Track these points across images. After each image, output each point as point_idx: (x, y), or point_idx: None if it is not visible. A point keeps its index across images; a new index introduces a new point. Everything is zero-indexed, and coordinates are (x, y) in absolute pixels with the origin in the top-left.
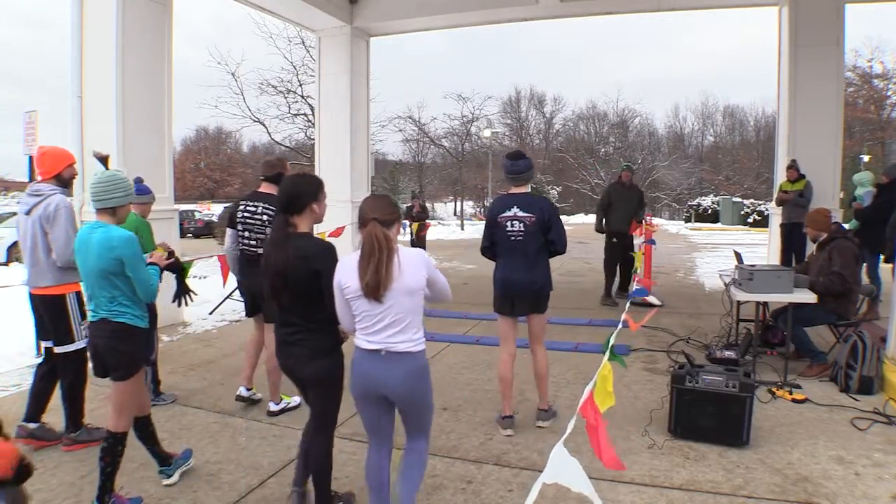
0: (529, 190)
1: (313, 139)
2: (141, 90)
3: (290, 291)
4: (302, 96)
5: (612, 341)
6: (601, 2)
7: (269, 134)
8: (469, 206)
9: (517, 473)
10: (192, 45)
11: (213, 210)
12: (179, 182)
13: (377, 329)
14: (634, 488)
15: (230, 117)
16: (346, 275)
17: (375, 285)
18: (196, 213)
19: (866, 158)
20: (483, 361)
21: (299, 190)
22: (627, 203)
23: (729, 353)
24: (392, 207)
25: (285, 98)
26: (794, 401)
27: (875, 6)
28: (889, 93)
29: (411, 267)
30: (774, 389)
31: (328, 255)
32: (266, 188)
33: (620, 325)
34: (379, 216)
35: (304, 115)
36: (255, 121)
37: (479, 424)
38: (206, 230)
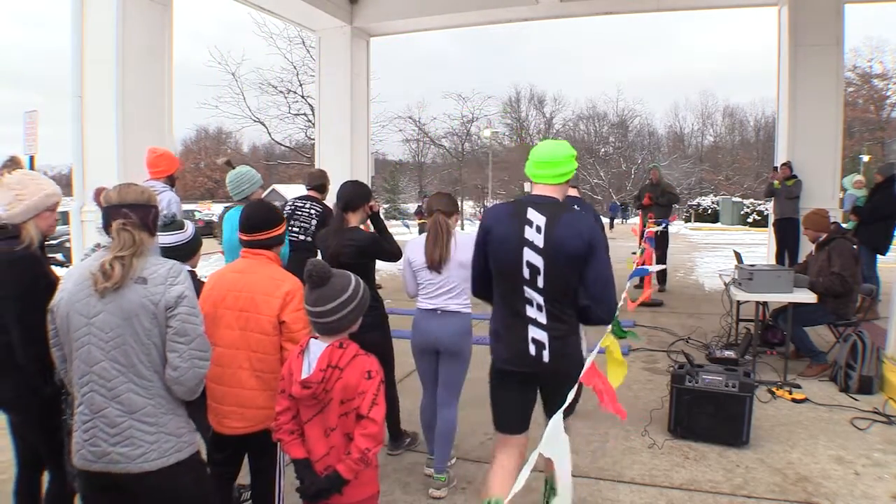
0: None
1: (313, 139)
2: (141, 90)
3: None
4: (302, 96)
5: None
6: (601, 2)
7: (270, 134)
8: (469, 206)
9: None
10: (193, 44)
11: (214, 210)
12: (180, 182)
13: (436, 294)
14: (634, 488)
15: (230, 117)
16: (415, 251)
17: (438, 260)
18: (196, 213)
19: (866, 158)
20: (483, 361)
21: (357, 193)
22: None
23: (729, 353)
24: (452, 203)
25: (285, 98)
26: (793, 400)
27: (875, 6)
28: (889, 93)
29: (464, 246)
30: (774, 389)
31: (374, 242)
32: (312, 193)
33: (620, 303)
34: (442, 209)
35: (304, 115)
36: (255, 121)
37: (479, 424)
38: (206, 230)
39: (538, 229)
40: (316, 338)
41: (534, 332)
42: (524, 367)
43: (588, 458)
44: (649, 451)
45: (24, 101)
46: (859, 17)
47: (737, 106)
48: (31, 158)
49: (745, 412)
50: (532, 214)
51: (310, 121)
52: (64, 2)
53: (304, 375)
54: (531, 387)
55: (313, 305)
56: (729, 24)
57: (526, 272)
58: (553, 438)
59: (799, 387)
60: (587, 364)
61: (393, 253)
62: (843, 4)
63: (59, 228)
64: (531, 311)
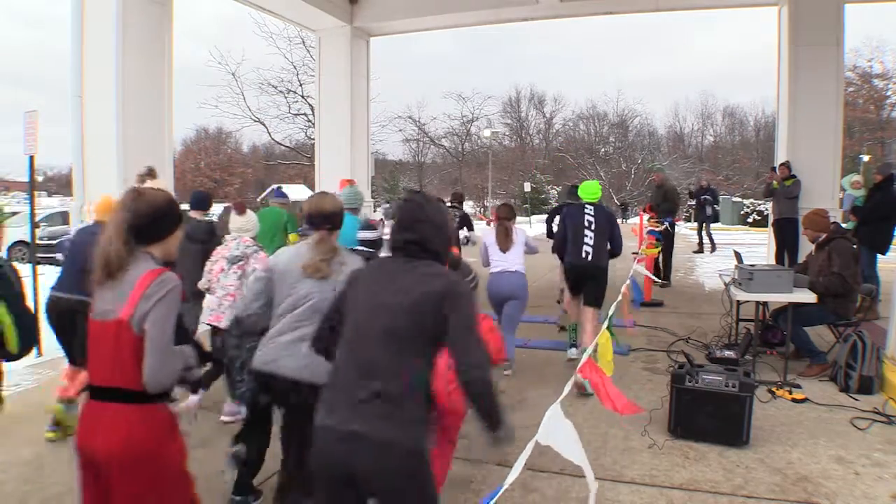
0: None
1: (313, 139)
2: (141, 90)
3: None
4: (302, 96)
5: (610, 312)
6: (601, 2)
7: (270, 134)
8: (469, 206)
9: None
10: (194, 43)
11: (214, 210)
12: (180, 182)
13: (503, 263)
14: (634, 488)
15: (230, 117)
16: (490, 239)
17: (506, 247)
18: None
19: (866, 158)
20: None
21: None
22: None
23: (729, 353)
24: (512, 211)
25: (285, 98)
26: (793, 400)
27: (875, 6)
28: (889, 93)
29: (519, 235)
30: (774, 389)
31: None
32: (455, 203)
33: (619, 298)
34: (504, 216)
35: (304, 115)
36: (255, 121)
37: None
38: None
39: (591, 210)
40: None
41: (586, 248)
42: (579, 262)
43: (594, 456)
44: (649, 451)
45: (25, 100)
46: (859, 17)
47: (737, 106)
48: (31, 158)
49: (745, 412)
50: (588, 207)
51: (310, 121)
52: (64, 2)
53: None
54: (583, 278)
55: None
56: (729, 24)
57: (587, 222)
58: (553, 426)
59: (799, 387)
60: (584, 358)
61: None
62: (843, 4)
63: (60, 228)
64: (587, 239)
